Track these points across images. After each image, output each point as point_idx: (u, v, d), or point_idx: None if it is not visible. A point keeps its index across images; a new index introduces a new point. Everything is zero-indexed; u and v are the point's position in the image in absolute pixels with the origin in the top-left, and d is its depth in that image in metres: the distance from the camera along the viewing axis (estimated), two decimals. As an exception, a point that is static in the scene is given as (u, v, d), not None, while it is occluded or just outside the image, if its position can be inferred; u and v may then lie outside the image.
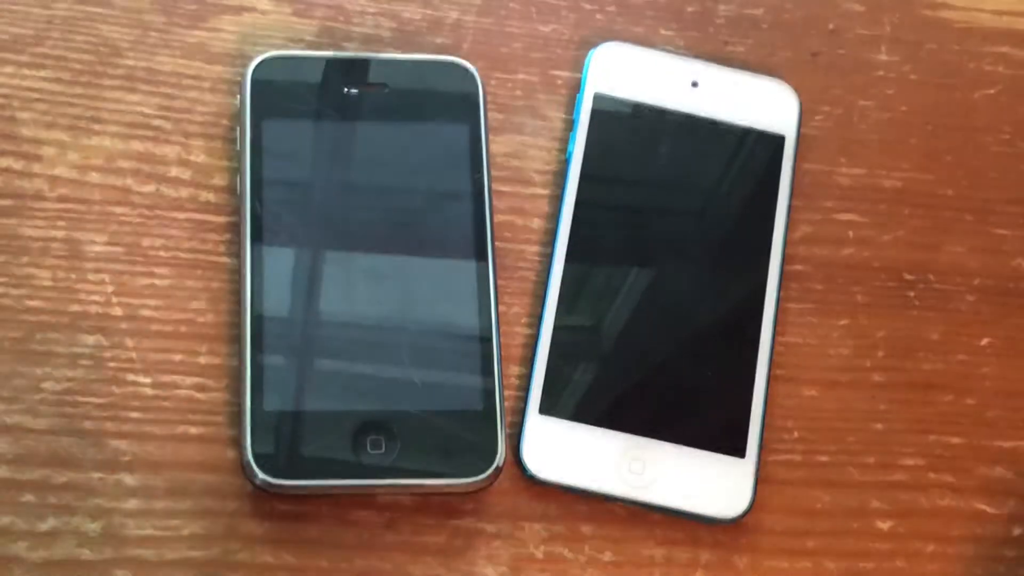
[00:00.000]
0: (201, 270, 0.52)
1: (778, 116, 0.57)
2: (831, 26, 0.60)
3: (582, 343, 0.54)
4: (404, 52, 0.56)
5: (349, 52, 0.56)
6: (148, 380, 0.50)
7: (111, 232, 0.52)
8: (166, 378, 0.51)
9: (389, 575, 0.50)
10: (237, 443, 0.49)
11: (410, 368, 0.50)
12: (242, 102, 0.53)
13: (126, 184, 0.53)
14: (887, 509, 0.54)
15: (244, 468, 0.48)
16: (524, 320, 0.54)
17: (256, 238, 0.51)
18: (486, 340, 0.51)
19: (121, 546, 0.48)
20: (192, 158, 0.54)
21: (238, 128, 0.53)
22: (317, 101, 0.53)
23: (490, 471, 0.49)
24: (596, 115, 0.56)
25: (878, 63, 0.60)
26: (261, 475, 0.48)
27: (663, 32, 0.59)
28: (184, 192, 0.53)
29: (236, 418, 0.50)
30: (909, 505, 0.54)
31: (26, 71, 0.53)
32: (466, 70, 0.55)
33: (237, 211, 0.52)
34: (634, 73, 0.57)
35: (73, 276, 0.51)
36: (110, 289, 0.51)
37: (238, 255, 0.51)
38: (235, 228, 0.52)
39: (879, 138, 0.59)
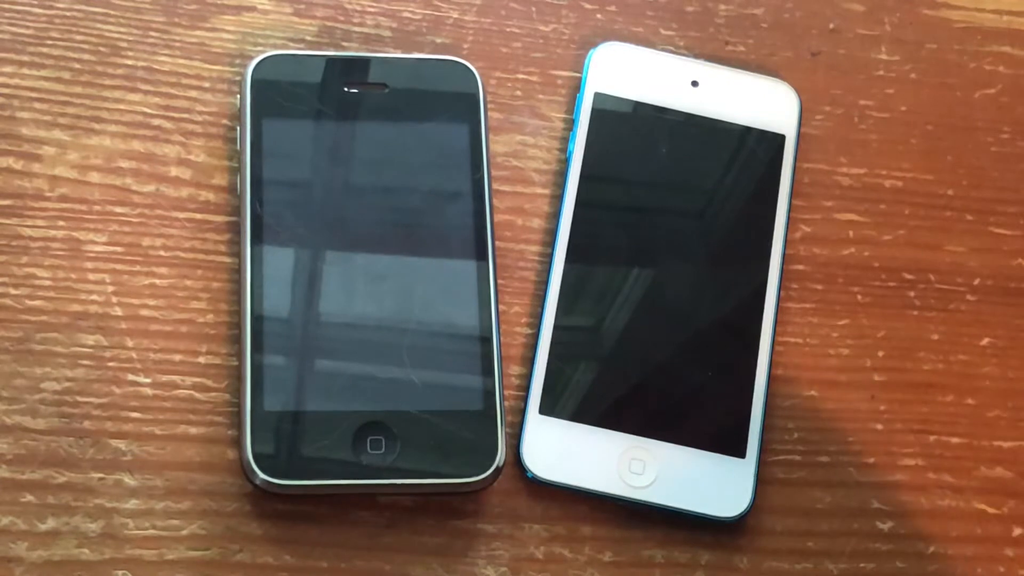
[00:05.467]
0: (201, 270, 0.52)
1: (778, 116, 0.57)
2: (831, 26, 0.60)
3: (582, 343, 0.54)
4: (404, 52, 0.56)
5: (349, 52, 0.56)
6: (148, 380, 0.50)
7: (111, 232, 0.52)
8: (166, 378, 0.51)
9: (389, 575, 0.50)
10: (237, 443, 0.49)
11: (410, 368, 0.50)
12: (242, 102, 0.53)
13: (126, 184, 0.53)
14: (887, 509, 0.54)
15: (244, 468, 0.48)
16: (524, 320, 0.54)
17: (256, 238, 0.51)
18: (486, 340, 0.51)
19: (121, 546, 0.48)
20: (192, 158, 0.54)
21: (238, 128, 0.53)
22: (317, 101, 0.53)
23: (490, 471, 0.49)
24: (596, 115, 0.56)
25: (878, 63, 0.60)
26: (261, 475, 0.48)
27: (663, 32, 0.59)
28: (184, 192, 0.53)
29: (236, 418, 0.50)
30: (909, 505, 0.54)
31: (26, 71, 0.53)
32: (466, 70, 0.55)
33: (237, 211, 0.52)
34: (634, 73, 0.57)
35: (73, 276, 0.51)
36: (110, 289, 0.51)
37: (238, 255, 0.51)
38: (235, 228, 0.52)
39: (879, 138, 0.59)
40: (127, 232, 0.52)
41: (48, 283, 0.51)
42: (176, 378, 0.51)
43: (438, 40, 0.57)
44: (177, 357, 0.51)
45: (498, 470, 0.50)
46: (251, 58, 0.53)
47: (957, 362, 0.56)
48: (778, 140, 0.57)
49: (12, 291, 0.51)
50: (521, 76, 0.57)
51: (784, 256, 0.56)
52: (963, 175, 0.59)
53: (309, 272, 0.51)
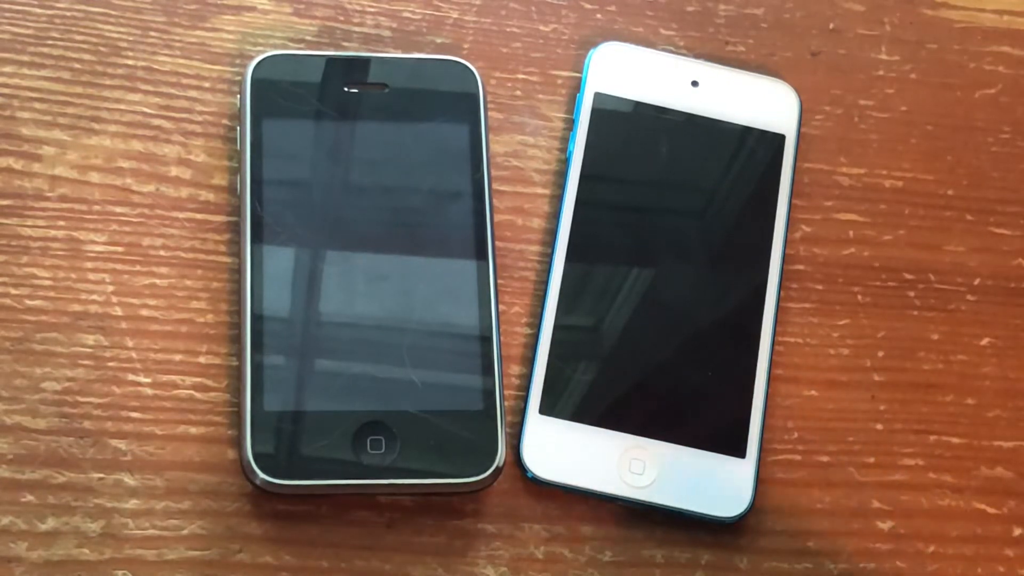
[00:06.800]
0: (201, 270, 0.52)
1: (778, 116, 0.57)
2: (831, 26, 0.60)
3: (582, 343, 0.54)
4: (404, 52, 0.56)
5: (349, 52, 0.56)
6: (148, 380, 0.50)
7: (111, 232, 0.52)
8: (166, 378, 0.51)
9: (389, 575, 0.50)
10: (237, 443, 0.49)
11: (410, 368, 0.50)
12: (242, 102, 0.53)
13: (126, 184, 0.53)
14: (887, 509, 0.54)
15: (244, 468, 0.48)
16: (524, 320, 0.54)
17: (256, 238, 0.51)
18: (486, 340, 0.51)
19: (121, 546, 0.48)
20: (192, 158, 0.54)
21: (238, 128, 0.53)
22: (317, 101, 0.53)
23: (490, 471, 0.49)
24: (596, 115, 0.56)
25: (878, 63, 0.60)
26: (261, 475, 0.48)
27: (663, 32, 0.59)
28: (184, 192, 0.53)
29: (236, 418, 0.50)
30: (909, 505, 0.54)
31: (26, 70, 0.53)
32: (466, 69, 0.55)
33: (237, 211, 0.52)
34: (634, 73, 0.57)
35: (73, 276, 0.51)
36: (110, 289, 0.51)
37: (238, 255, 0.51)
38: (235, 228, 0.52)
39: (879, 138, 0.59)
40: (127, 232, 0.52)
41: (48, 283, 0.51)
42: (176, 378, 0.51)
43: (438, 40, 0.57)
44: (177, 357, 0.51)
45: (498, 470, 0.50)
46: (251, 58, 0.53)
47: (957, 362, 0.56)
48: (778, 140, 0.57)
49: (12, 291, 0.51)
50: (521, 76, 0.57)
51: (784, 256, 0.56)
52: (963, 175, 0.59)
53: (309, 272, 0.51)
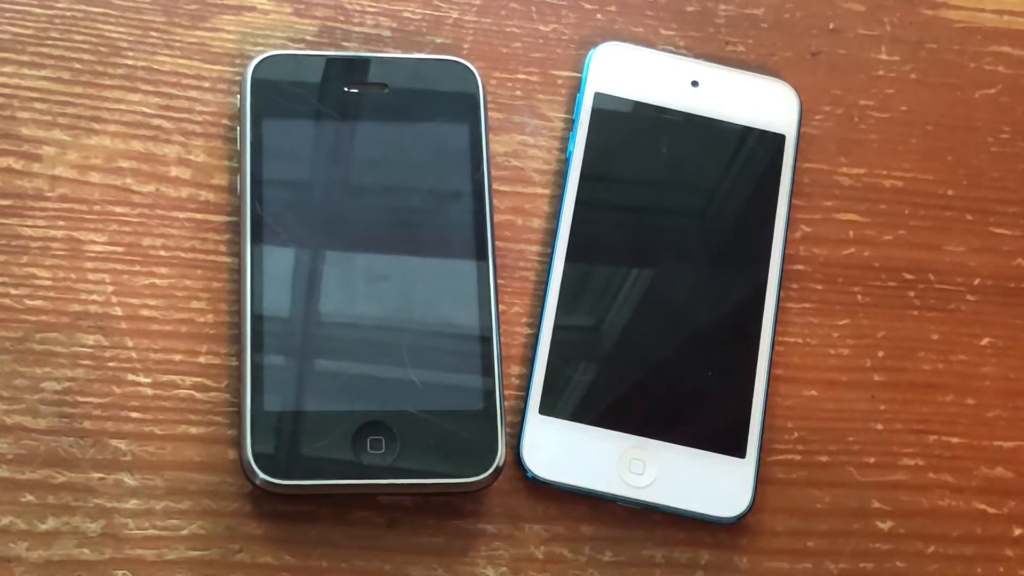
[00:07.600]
0: (201, 270, 0.52)
1: (778, 116, 0.57)
2: (831, 26, 0.60)
3: (582, 343, 0.54)
4: (404, 52, 0.56)
5: (349, 52, 0.56)
6: (148, 380, 0.50)
7: (111, 232, 0.52)
8: (166, 378, 0.51)
9: (389, 575, 0.50)
10: (237, 443, 0.49)
11: (410, 368, 0.50)
12: (242, 102, 0.53)
13: (126, 184, 0.53)
14: (887, 509, 0.54)
15: (244, 468, 0.48)
16: (524, 320, 0.54)
17: (256, 238, 0.51)
18: (486, 340, 0.51)
19: (121, 546, 0.48)
20: (192, 158, 0.54)
21: (238, 128, 0.53)
22: (317, 101, 0.53)
23: (490, 471, 0.49)
24: (596, 115, 0.56)
25: (878, 63, 0.60)
26: (261, 475, 0.48)
27: (663, 32, 0.59)
28: (184, 192, 0.53)
29: (236, 418, 0.50)
30: (909, 505, 0.54)
31: (26, 70, 0.53)
32: (466, 69, 0.55)
33: (237, 211, 0.52)
34: (634, 73, 0.57)
35: (73, 276, 0.51)
36: (110, 289, 0.51)
37: (238, 255, 0.51)
38: (235, 228, 0.52)
39: (879, 138, 0.59)
40: (127, 232, 0.52)
41: (48, 283, 0.51)
42: (176, 378, 0.51)
43: (438, 40, 0.57)
44: (177, 357, 0.51)
45: (498, 470, 0.50)
46: (251, 58, 0.53)
47: (957, 362, 0.56)
48: (778, 140, 0.57)
49: (12, 291, 0.51)
50: (521, 76, 0.57)
51: (784, 256, 0.56)
52: (963, 175, 0.59)
53: (309, 272, 0.51)
